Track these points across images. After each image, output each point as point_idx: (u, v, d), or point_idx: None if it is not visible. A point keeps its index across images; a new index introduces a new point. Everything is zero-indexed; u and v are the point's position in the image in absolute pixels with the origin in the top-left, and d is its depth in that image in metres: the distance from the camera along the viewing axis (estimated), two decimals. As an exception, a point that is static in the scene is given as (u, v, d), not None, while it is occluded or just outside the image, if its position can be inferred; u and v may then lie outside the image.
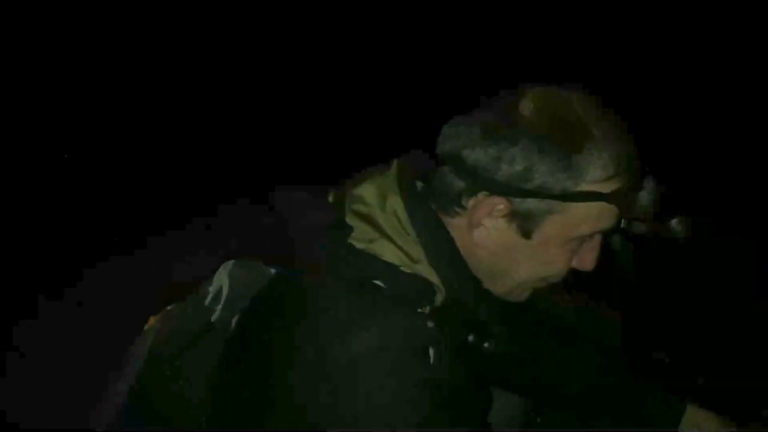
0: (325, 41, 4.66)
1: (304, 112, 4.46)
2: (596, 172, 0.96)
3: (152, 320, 1.18)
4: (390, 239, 1.00)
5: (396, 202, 1.02)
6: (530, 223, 0.99)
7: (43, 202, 3.91)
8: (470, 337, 1.04)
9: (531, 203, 0.97)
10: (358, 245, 1.00)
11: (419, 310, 0.97)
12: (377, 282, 0.97)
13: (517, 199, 0.97)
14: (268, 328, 1.00)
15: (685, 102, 4.19)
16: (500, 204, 0.98)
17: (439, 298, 0.99)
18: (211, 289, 1.10)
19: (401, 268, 0.99)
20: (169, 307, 1.19)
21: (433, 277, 1.00)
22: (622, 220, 1.02)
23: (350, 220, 1.02)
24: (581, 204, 0.97)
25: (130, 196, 3.91)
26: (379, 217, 1.01)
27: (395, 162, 1.08)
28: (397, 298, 0.96)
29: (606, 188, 0.96)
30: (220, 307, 1.09)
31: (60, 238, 3.72)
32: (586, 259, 1.05)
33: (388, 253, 0.99)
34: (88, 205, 3.88)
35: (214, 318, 1.09)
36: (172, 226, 3.69)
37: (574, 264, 1.05)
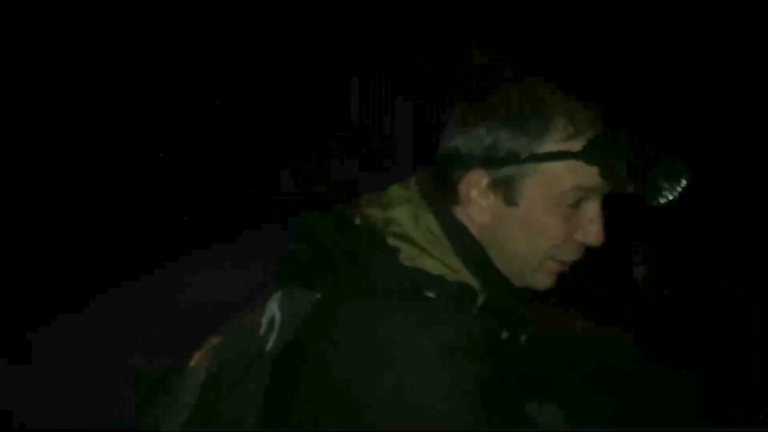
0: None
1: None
2: (557, 132, 1.08)
3: (200, 353, 1.21)
4: (430, 254, 1.11)
5: (428, 220, 1.13)
6: (512, 190, 1.10)
7: (58, 216, 3.91)
8: (504, 334, 1.13)
9: (506, 170, 1.10)
10: (406, 263, 1.09)
11: (469, 313, 1.08)
12: (429, 293, 1.07)
13: (494, 169, 1.10)
14: (327, 344, 1.05)
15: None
16: (480, 177, 1.11)
17: (480, 300, 1.11)
18: (264, 320, 1.15)
19: (447, 278, 1.09)
20: (214, 341, 1.22)
21: (473, 281, 1.11)
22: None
23: (392, 241, 1.11)
24: (552, 164, 1.09)
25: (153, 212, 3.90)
26: (416, 235, 1.12)
27: (414, 178, 1.19)
28: (450, 304, 1.06)
29: (571, 146, 1.08)
30: (274, 336, 1.13)
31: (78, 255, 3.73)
32: (590, 232, 1.13)
33: (433, 266, 1.10)
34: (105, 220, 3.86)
35: (269, 347, 1.13)
36: (199, 246, 3.69)
37: (579, 237, 1.13)
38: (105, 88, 4.49)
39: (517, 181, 1.10)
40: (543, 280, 1.16)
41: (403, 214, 1.13)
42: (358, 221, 1.16)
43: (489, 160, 1.10)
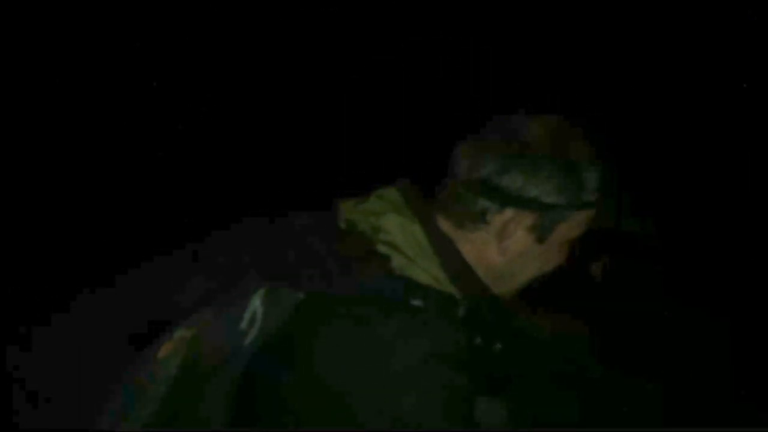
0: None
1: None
2: (593, 185, 1.16)
3: (169, 345, 1.21)
4: (419, 264, 1.14)
5: (416, 231, 1.16)
6: (546, 232, 1.17)
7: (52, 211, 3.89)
8: (478, 340, 1.17)
9: (551, 214, 1.16)
10: (396, 272, 1.13)
11: (452, 322, 1.12)
12: (416, 302, 1.11)
13: (539, 214, 1.16)
14: (314, 345, 1.08)
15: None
16: (528, 218, 1.16)
17: (461, 311, 1.15)
18: (246, 315, 1.16)
19: (432, 288, 1.13)
20: (184, 333, 1.22)
21: (456, 293, 1.16)
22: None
23: (383, 249, 1.14)
24: (584, 211, 1.17)
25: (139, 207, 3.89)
26: (404, 245, 1.15)
27: (399, 188, 1.22)
28: (432, 315, 1.09)
29: (599, 197, 1.17)
30: (255, 331, 1.14)
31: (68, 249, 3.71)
32: (561, 254, 1.24)
33: (420, 275, 1.14)
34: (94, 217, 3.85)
35: (248, 342, 1.14)
36: (180, 244, 3.69)
37: None
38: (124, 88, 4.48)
39: (555, 225, 1.17)
40: (515, 292, 1.25)
41: (392, 224, 1.16)
42: (343, 226, 1.18)
43: (542, 206, 1.15)
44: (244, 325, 1.16)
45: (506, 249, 1.18)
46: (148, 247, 3.86)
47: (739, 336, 3.30)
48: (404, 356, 1.03)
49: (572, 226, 1.18)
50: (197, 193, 4.33)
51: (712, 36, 4.41)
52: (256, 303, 1.17)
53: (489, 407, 1.16)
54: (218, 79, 4.68)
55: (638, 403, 3.02)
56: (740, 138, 4.22)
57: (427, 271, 1.14)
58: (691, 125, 4.29)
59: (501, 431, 1.22)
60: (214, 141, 4.61)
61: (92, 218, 4.19)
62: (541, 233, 1.17)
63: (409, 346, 1.03)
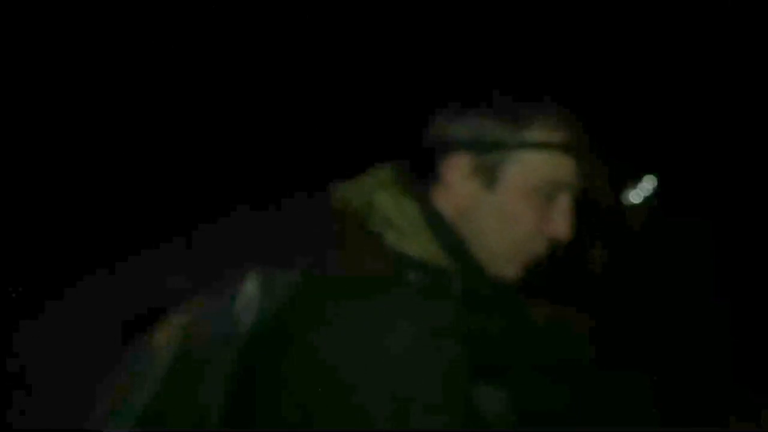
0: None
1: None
2: (541, 124, 1.14)
3: (165, 332, 1.20)
4: (412, 239, 1.14)
5: (408, 205, 1.15)
6: (493, 176, 1.14)
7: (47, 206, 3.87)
8: (475, 317, 1.15)
9: (490, 156, 1.14)
10: (391, 247, 1.13)
11: (448, 297, 1.11)
12: (411, 277, 1.10)
13: (479, 154, 1.14)
14: (313, 327, 1.06)
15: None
16: (464, 160, 1.14)
17: (457, 286, 1.14)
18: (241, 300, 1.15)
19: (427, 262, 1.13)
20: (180, 319, 1.20)
21: (451, 267, 1.15)
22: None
23: (376, 225, 1.14)
24: (533, 153, 1.14)
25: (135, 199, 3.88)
26: (397, 221, 1.14)
27: (388, 166, 1.21)
28: (428, 290, 1.09)
29: (553, 138, 1.14)
30: (251, 317, 1.14)
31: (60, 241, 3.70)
32: (559, 225, 1.18)
33: (415, 250, 1.13)
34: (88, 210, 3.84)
35: (245, 328, 1.14)
36: (173, 232, 3.69)
37: (549, 231, 1.17)
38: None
39: (498, 167, 1.14)
40: (511, 271, 1.19)
41: (384, 200, 1.16)
42: (337, 205, 1.18)
43: (475, 145, 1.14)
44: (239, 310, 1.15)
45: (454, 200, 1.16)
46: (142, 234, 3.86)
47: (738, 327, 3.31)
48: (402, 332, 1.02)
49: (525, 170, 1.14)
50: (190, 185, 4.33)
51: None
52: (251, 286, 1.16)
53: (489, 393, 1.15)
54: (205, 73, 4.66)
55: (629, 392, 3.03)
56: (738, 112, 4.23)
57: (421, 245, 1.14)
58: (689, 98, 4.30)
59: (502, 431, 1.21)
60: (204, 132, 4.60)
61: (80, 209, 4.17)
62: (487, 177, 1.14)
63: (406, 321, 1.03)
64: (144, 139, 4.37)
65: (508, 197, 1.15)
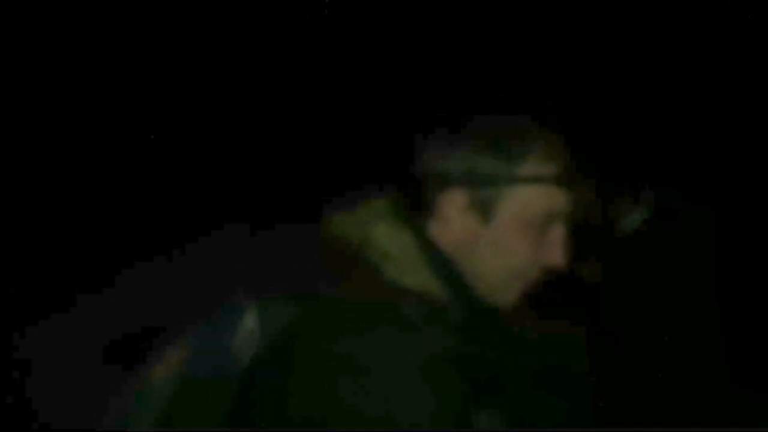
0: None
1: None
2: (534, 157, 1.16)
3: (161, 367, 1.21)
4: (411, 272, 1.15)
5: (406, 239, 1.17)
6: (487, 210, 1.16)
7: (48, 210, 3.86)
8: (471, 348, 1.17)
9: (484, 191, 1.16)
10: (389, 280, 1.14)
11: (445, 329, 1.12)
12: (408, 311, 1.11)
13: (474, 190, 1.16)
14: (311, 361, 1.08)
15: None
16: (460, 195, 1.16)
17: (455, 318, 1.16)
18: (240, 334, 1.17)
19: (425, 294, 1.14)
20: (178, 354, 1.22)
21: (450, 298, 1.16)
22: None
23: (373, 259, 1.16)
24: (527, 187, 1.16)
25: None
26: (394, 254, 1.16)
27: (383, 198, 1.23)
28: (427, 321, 1.11)
29: (546, 171, 1.16)
30: (250, 351, 1.16)
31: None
32: (554, 254, 1.20)
33: (412, 283, 1.15)
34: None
35: (242, 360, 1.15)
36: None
37: (543, 259, 1.20)
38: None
39: (494, 202, 1.16)
40: (509, 300, 1.22)
41: (381, 233, 1.18)
42: (333, 238, 1.19)
43: (470, 181, 1.16)
44: (238, 344, 1.17)
45: (448, 234, 1.18)
46: (132, 254, 3.85)
47: (732, 332, 3.32)
48: (397, 366, 1.04)
49: (519, 204, 1.17)
50: (180, 200, 4.32)
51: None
52: (250, 321, 1.18)
53: (487, 416, 1.16)
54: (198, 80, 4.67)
55: (628, 404, 3.04)
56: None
57: (420, 278, 1.16)
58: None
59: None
60: (194, 144, 4.60)
61: (72, 219, 4.17)
62: (482, 212, 1.17)
63: (402, 355, 1.05)
64: (127, 153, 4.37)
65: (503, 231, 1.17)
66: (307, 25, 4.69)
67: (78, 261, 3.84)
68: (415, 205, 1.20)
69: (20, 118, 4.22)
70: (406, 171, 1.22)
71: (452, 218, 1.18)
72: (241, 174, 4.45)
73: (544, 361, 1.59)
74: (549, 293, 1.36)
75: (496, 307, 1.22)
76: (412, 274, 1.16)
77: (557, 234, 1.20)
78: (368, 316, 1.09)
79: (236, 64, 4.69)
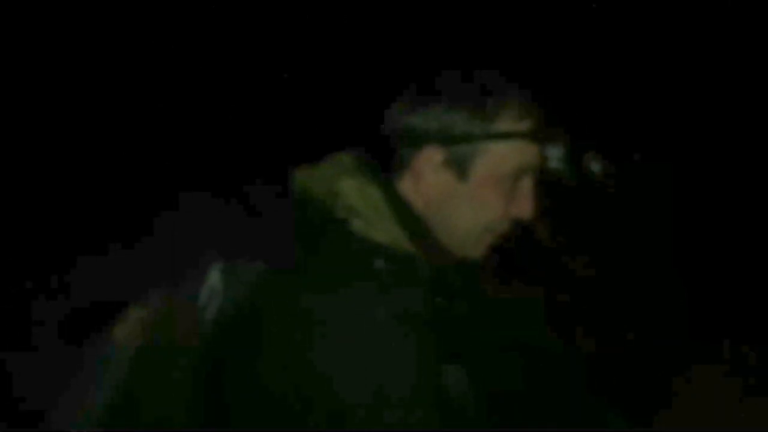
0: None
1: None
2: (508, 114, 1.16)
3: (125, 326, 1.20)
4: (378, 226, 1.15)
5: (373, 192, 1.17)
6: (463, 167, 1.16)
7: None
8: (440, 301, 1.17)
9: (460, 148, 1.16)
10: (357, 234, 1.14)
11: (415, 282, 1.13)
12: (378, 263, 1.12)
13: (449, 147, 1.15)
14: (283, 314, 1.07)
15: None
16: (436, 153, 1.16)
17: (424, 271, 1.16)
18: (205, 290, 1.16)
19: (394, 248, 1.14)
20: (139, 313, 1.20)
21: (417, 252, 1.17)
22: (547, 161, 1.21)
23: (341, 213, 1.15)
24: (501, 142, 1.16)
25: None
26: (362, 208, 1.15)
27: (347, 154, 1.22)
28: (399, 274, 1.11)
29: (520, 127, 1.17)
30: (215, 305, 1.15)
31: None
32: (523, 206, 1.21)
33: (381, 236, 1.15)
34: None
35: (209, 316, 1.15)
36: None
37: (513, 212, 1.21)
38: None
39: (469, 159, 1.16)
40: (477, 251, 1.23)
41: (348, 187, 1.17)
42: (299, 194, 1.19)
43: (445, 139, 1.16)
44: (202, 300, 1.16)
45: (425, 191, 1.18)
46: (104, 228, 3.81)
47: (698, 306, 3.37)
48: (371, 320, 1.04)
49: (495, 160, 1.17)
50: (149, 171, 4.28)
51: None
52: (214, 278, 1.17)
53: (452, 372, 1.17)
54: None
55: (590, 361, 3.09)
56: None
57: (387, 232, 1.15)
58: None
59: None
60: (161, 118, 4.55)
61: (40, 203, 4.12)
62: (458, 169, 1.17)
63: (375, 309, 1.05)
64: (100, 126, 4.31)
65: (479, 187, 1.17)
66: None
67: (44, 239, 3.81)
68: (381, 161, 1.19)
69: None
70: (376, 128, 1.21)
71: (427, 174, 1.18)
72: (207, 137, 4.41)
73: (510, 324, 1.60)
74: (510, 253, 1.37)
75: (465, 261, 1.22)
76: (381, 228, 1.15)
77: (526, 186, 1.21)
78: (337, 273, 1.09)
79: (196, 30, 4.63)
